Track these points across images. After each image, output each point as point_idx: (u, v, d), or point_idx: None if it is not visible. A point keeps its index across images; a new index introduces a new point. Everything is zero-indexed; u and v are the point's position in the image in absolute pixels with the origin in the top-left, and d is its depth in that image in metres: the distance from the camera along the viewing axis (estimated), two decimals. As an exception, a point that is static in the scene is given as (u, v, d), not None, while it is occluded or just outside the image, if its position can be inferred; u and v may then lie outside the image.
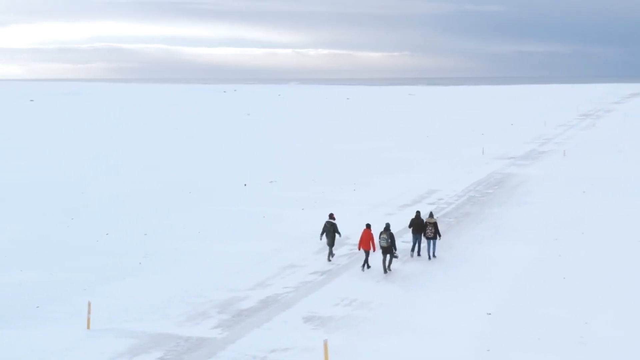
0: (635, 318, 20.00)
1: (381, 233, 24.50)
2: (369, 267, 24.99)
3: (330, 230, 26.19)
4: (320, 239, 27.14)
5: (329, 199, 39.00)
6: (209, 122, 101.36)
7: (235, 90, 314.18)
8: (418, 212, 27.89)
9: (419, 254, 26.96)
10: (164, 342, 18.24)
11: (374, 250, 24.71)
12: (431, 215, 27.35)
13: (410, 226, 27.20)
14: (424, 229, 26.59)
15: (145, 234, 30.58)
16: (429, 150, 63.60)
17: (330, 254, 26.41)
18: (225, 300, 21.73)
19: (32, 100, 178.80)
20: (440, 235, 26.90)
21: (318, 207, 36.24)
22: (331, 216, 27.04)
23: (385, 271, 24.66)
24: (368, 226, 25.11)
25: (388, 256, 24.63)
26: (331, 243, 26.33)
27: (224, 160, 56.02)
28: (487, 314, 20.47)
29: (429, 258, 26.57)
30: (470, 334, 18.90)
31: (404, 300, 21.79)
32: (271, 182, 45.30)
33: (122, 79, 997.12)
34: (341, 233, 26.95)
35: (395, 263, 25.49)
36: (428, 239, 26.57)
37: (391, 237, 24.31)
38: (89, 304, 19.50)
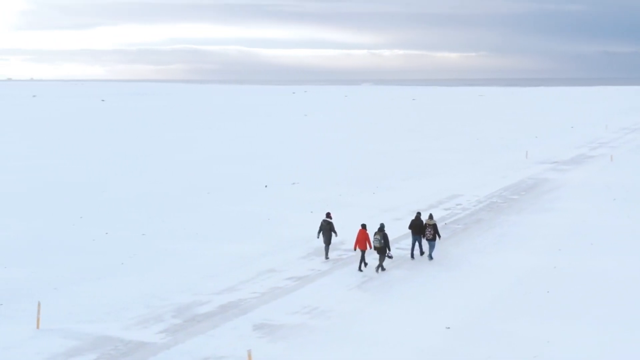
0: (605, 341, 18.52)
1: (375, 233, 24.67)
2: (365, 264, 25.16)
3: (327, 229, 26.42)
4: (318, 237, 27.05)
5: (343, 202, 38.30)
6: (261, 123, 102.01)
7: (305, 92, 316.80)
8: (418, 213, 27.45)
9: (421, 254, 26.88)
10: (103, 345, 18.07)
11: (371, 247, 24.82)
12: (431, 217, 27.10)
13: (410, 227, 27.04)
14: (423, 230, 26.49)
15: (143, 234, 30.69)
16: (471, 153, 61.91)
17: (327, 253, 26.70)
18: (185, 304, 21.44)
19: (103, 100, 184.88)
20: (439, 236, 26.80)
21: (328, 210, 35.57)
22: (328, 215, 27.11)
23: (377, 270, 24.79)
24: (363, 226, 25.28)
25: (381, 256, 24.77)
26: (327, 242, 26.54)
27: (256, 161, 55.98)
28: (446, 327, 19.45)
29: (430, 258, 26.52)
30: (419, 348, 17.95)
31: (368, 310, 20.94)
32: (293, 183, 44.91)
33: (200, 80, 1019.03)
34: (337, 233, 27.02)
35: (385, 265, 24.96)
36: (427, 240, 26.53)
37: (384, 237, 24.44)
38: (39, 304, 19.57)
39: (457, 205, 38.29)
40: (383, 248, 24.53)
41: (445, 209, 37.00)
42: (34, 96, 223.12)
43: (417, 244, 26.91)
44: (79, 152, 62.46)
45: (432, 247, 26.69)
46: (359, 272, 24.89)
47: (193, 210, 35.98)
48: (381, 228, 24.83)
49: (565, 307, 21.20)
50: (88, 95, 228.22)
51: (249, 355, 16.29)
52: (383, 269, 24.92)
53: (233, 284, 23.58)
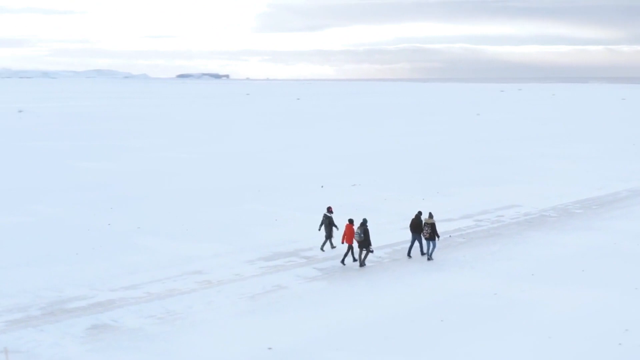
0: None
1: (357, 228, 25.20)
2: (354, 260, 25.78)
3: (327, 223, 27.51)
4: (319, 230, 28.05)
5: (380, 206, 36.35)
6: (424, 121, 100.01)
7: (519, 90, 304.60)
8: (419, 212, 27.06)
9: (422, 254, 26.71)
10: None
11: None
12: (430, 215, 26.66)
13: (410, 226, 26.97)
14: (422, 229, 26.45)
15: (138, 227, 31.59)
16: (595, 162, 55.28)
17: (323, 245, 27.66)
18: (66, 298, 21.67)
19: (298, 99, 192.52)
20: (438, 237, 26.54)
21: (350, 214, 33.90)
22: (329, 210, 27.90)
23: (360, 265, 25.42)
24: (350, 221, 25.91)
25: (364, 251, 25.31)
26: (328, 235, 27.53)
27: (356, 161, 55.05)
28: (268, 348, 17.70)
29: (428, 259, 26.38)
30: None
31: (217, 321, 19.72)
32: (353, 185, 43.47)
33: (424, 78, 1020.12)
34: (338, 227, 27.71)
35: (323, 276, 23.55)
36: (426, 239, 26.42)
37: (365, 232, 24.93)
38: None
39: (498, 216, 34.56)
40: (363, 242, 24.95)
41: (477, 220, 33.64)
42: (247, 94, 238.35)
43: (417, 243, 26.80)
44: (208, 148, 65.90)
45: (430, 247, 26.39)
46: (342, 264, 25.62)
47: (216, 207, 36.23)
48: (363, 223, 25.20)
49: (434, 343, 18.27)
50: (288, 94, 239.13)
51: (5, 353, 16.15)
52: (363, 264, 25.45)
53: (140, 282, 23.42)
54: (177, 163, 53.18)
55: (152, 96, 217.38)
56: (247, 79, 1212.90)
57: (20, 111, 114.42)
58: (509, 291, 22.50)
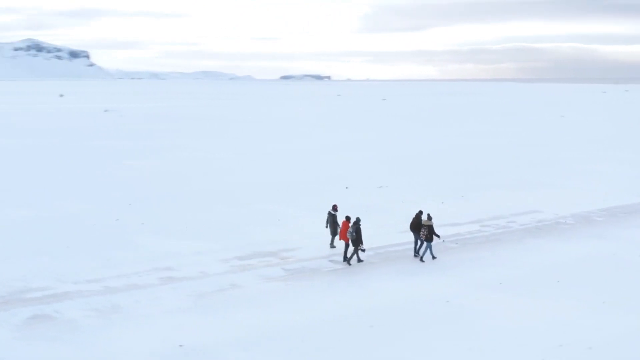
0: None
1: (350, 226, 25.54)
2: (345, 258, 26.10)
3: (331, 221, 27.94)
4: (326, 227, 28.41)
5: (396, 208, 35.76)
6: (499, 122, 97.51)
7: (626, 91, 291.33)
8: (419, 212, 27.01)
9: (414, 255, 26.77)
10: None
11: None
12: (429, 217, 26.63)
13: (410, 226, 27.07)
14: (419, 229, 26.50)
15: (142, 224, 32.45)
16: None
17: (332, 243, 27.85)
18: (22, 290, 22.34)
19: (384, 100, 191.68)
20: (438, 236, 26.61)
21: (361, 214, 33.42)
22: (334, 208, 28.18)
23: (348, 262, 25.76)
24: (347, 218, 26.07)
25: (353, 248, 25.56)
26: (333, 233, 27.85)
27: (400, 162, 54.39)
28: (179, 345, 17.82)
29: (421, 260, 26.34)
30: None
31: (149, 317, 20.00)
32: (380, 187, 42.92)
33: (530, 79, 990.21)
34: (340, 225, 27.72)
35: (280, 277, 23.49)
36: (423, 240, 26.40)
37: (357, 231, 25.23)
38: None
39: (510, 222, 33.29)
40: (354, 241, 25.26)
41: (484, 225, 32.55)
42: (338, 95, 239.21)
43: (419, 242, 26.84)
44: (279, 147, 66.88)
45: (425, 248, 26.31)
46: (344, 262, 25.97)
47: (224, 206, 36.67)
48: (355, 221, 25.44)
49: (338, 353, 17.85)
50: (379, 95, 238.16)
51: None
52: (360, 260, 25.86)
53: (107, 276, 24.02)
54: (220, 162, 54.15)
55: (247, 97, 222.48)
56: (348, 79, 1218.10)
57: (105, 111, 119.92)
58: (464, 299, 21.67)
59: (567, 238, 29.98)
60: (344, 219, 26.26)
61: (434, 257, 26.49)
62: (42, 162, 53.75)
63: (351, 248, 25.86)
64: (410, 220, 27.52)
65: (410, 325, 19.38)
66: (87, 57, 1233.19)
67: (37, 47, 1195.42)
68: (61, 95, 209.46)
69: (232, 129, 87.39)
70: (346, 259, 25.90)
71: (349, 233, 25.47)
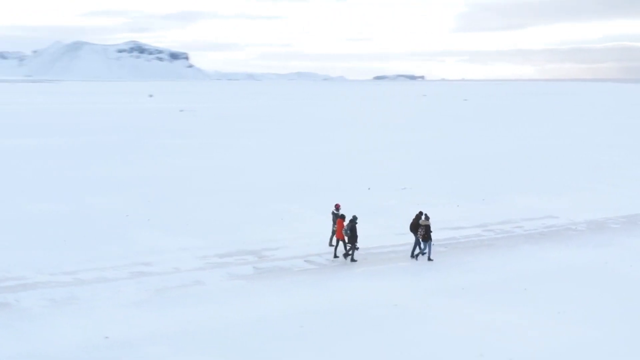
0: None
1: (346, 225, 26.02)
2: (336, 256, 26.47)
3: (334, 220, 27.93)
4: (334, 227, 28.16)
5: (399, 211, 35.33)
6: (566, 123, 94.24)
7: None
8: (419, 213, 26.91)
9: (412, 255, 26.60)
10: None
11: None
12: (426, 217, 26.59)
13: (410, 227, 27.07)
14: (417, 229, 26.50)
15: (148, 220, 33.32)
16: None
17: (330, 241, 28.05)
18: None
19: (465, 100, 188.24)
20: (430, 239, 26.34)
21: (373, 215, 33.56)
22: (336, 207, 28.26)
23: (344, 257, 26.14)
24: (342, 217, 26.45)
25: (349, 246, 26.01)
26: (334, 231, 27.79)
27: (437, 164, 53.61)
28: (105, 337, 18.38)
29: (412, 257, 26.46)
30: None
31: (96, 309, 20.64)
32: (403, 188, 42.41)
33: (633, 79, 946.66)
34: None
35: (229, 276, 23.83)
36: (422, 240, 26.41)
37: (351, 229, 25.65)
38: None
39: (516, 227, 32.31)
40: (350, 239, 25.69)
41: (487, 230, 31.79)
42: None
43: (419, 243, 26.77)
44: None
45: (421, 248, 26.31)
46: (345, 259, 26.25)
47: (237, 205, 37.20)
48: (351, 220, 25.86)
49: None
50: (458, 95, 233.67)
51: None
52: (354, 260, 25.96)
53: (83, 269, 24.79)
54: (251, 162, 54.84)
55: (330, 97, 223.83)
56: (443, 79, 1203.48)
57: (181, 110, 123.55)
58: (413, 304, 21.26)
59: (566, 245, 28.79)
60: (339, 218, 26.61)
61: (413, 256, 26.34)
62: (89, 159, 55.98)
63: (342, 247, 26.19)
64: (410, 221, 27.32)
65: (341, 328, 19.21)
66: (187, 58, 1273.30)
67: (140, 49, 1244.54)
68: (150, 96, 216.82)
69: (284, 128, 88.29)
70: (336, 257, 26.28)
71: (344, 231, 25.84)
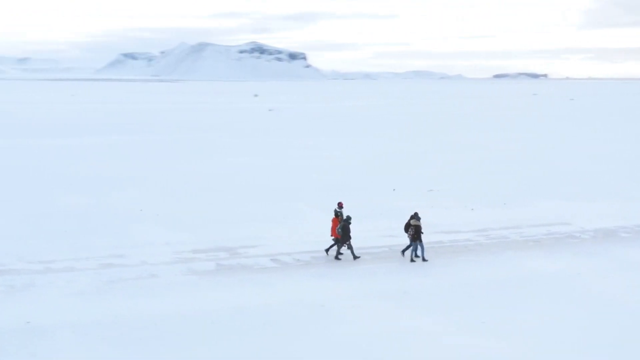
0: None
1: (339, 224, 26.51)
2: (341, 253, 26.80)
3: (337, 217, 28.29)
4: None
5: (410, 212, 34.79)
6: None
7: None
8: (415, 214, 26.74)
9: (416, 256, 26.46)
10: None
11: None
12: (417, 218, 26.50)
13: (404, 227, 27.07)
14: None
15: (157, 215, 34.52)
16: None
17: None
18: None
19: (572, 100, 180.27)
20: (420, 240, 26.16)
21: (388, 217, 33.51)
22: (339, 205, 28.26)
23: (335, 257, 26.58)
24: (336, 215, 26.94)
25: (346, 244, 26.45)
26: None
27: (482, 166, 52.24)
28: (27, 322, 19.46)
29: (422, 258, 26.33)
30: None
31: (39, 296, 21.82)
32: (430, 190, 41.62)
33: None
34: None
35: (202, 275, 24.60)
36: (412, 241, 26.41)
37: (343, 228, 26.17)
38: None
39: (515, 233, 31.16)
40: (342, 238, 26.19)
41: (482, 235, 30.88)
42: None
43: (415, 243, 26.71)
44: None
45: (414, 248, 26.31)
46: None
47: (253, 202, 37.85)
48: (345, 219, 26.36)
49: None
50: (568, 95, 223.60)
51: None
52: (338, 258, 26.44)
53: (62, 259, 26.22)
54: (311, 160, 55.43)
55: (443, 96, 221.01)
56: (567, 78, 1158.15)
57: (270, 110, 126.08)
58: (342, 305, 21.12)
59: (552, 253, 27.46)
60: (334, 216, 26.99)
61: (412, 260, 26.21)
62: (149, 155, 58.45)
63: (336, 242, 26.62)
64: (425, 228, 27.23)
65: (253, 326, 19.40)
66: (304, 58, 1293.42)
67: (260, 50, 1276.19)
68: (255, 96, 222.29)
69: (368, 128, 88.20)
70: (327, 252, 27.04)
71: (337, 229, 26.29)
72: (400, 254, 26.94)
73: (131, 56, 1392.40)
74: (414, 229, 26.10)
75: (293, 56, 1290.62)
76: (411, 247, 26.36)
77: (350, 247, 26.56)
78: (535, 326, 19.48)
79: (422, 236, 26.46)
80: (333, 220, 26.92)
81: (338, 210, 28.05)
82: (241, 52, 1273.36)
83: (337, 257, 26.53)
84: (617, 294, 22.53)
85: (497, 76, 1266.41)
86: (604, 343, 18.43)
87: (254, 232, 30.87)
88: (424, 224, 26.89)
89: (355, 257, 26.44)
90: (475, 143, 69.88)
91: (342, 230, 26.15)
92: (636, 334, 19.10)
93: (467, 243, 29.23)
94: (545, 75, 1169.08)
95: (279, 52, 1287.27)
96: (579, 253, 27.44)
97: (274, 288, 22.94)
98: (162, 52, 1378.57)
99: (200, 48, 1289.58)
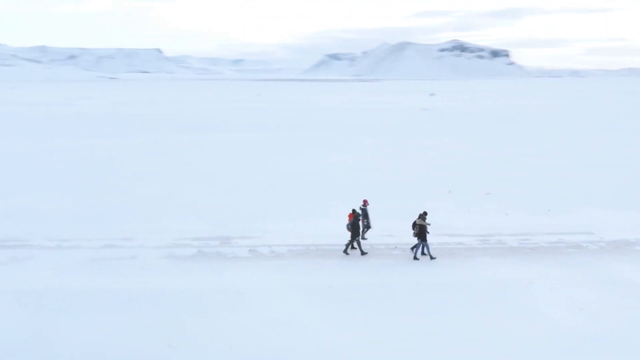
0: None
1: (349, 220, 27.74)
2: (353, 247, 28.04)
3: (362, 215, 29.46)
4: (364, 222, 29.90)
5: (444, 215, 34.72)
6: None
7: None
8: (424, 213, 27.49)
9: (422, 254, 27.20)
10: None
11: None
12: (423, 217, 27.15)
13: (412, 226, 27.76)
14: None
15: (195, 202, 37.69)
16: None
17: (362, 235, 29.33)
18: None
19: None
20: (422, 239, 26.74)
21: (399, 218, 33.80)
22: (364, 202, 29.73)
23: (344, 252, 27.71)
24: (354, 211, 27.99)
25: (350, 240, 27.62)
26: (366, 226, 29.53)
27: (547, 169, 49.72)
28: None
29: (415, 258, 27.00)
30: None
31: (16, 275, 25.03)
32: (487, 193, 40.77)
33: None
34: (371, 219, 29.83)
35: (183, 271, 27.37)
36: (417, 239, 27.14)
37: (352, 224, 27.35)
38: None
39: (518, 239, 30.17)
40: (352, 233, 27.31)
41: (481, 239, 30.23)
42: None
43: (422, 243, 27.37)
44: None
45: (418, 247, 26.96)
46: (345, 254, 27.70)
47: (285, 197, 39.52)
48: (356, 216, 27.42)
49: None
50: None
51: None
52: (346, 253, 27.58)
53: (68, 238, 29.72)
54: (406, 160, 55.86)
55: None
56: None
57: (423, 109, 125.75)
58: (263, 296, 22.47)
59: (535, 261, 26.57)
60: (351, 212, 28.07)
61: (415, 258, 26.82)
62: (244, 154, 61.94)
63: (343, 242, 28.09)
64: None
65: (165, 310, 21.48)
66: (507, 56, 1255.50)
67: (461, 48, 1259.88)
68: (432, 95, 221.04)
69: (503, 129, 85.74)
70: (345, 249, 27.87)
71: (347, 225, 27.61)
72: (410, 251, 27.61)
73: (335, 57, 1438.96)
74: (418, 228, 26.73)
75: (495, 53, 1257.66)
76: (420, 246, 26.93)
77: (358, 243, 27.56)
78: (425, 335, 19.60)
79: (427, 236, 26.99)
80: (349, 216, 27.89)
81: (363, 207, 29.08)
82: (441, 50, 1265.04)
83: (345, 251, 27.55)
84: (558, 306, 21.60)
85: None
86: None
87: (270, 226, 32.27)
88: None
89: (362, 253, 27.36)
90: (522, 142, 65.57)
91: (352, 226, 27.23)
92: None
93: (456, 246, 28.77)
94: None
95: (481, 49, 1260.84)
96: (558, 263, 26.23)
97: (226, 277, 24.56)
98: (364, 52, 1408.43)
99: (401, 47, 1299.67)
